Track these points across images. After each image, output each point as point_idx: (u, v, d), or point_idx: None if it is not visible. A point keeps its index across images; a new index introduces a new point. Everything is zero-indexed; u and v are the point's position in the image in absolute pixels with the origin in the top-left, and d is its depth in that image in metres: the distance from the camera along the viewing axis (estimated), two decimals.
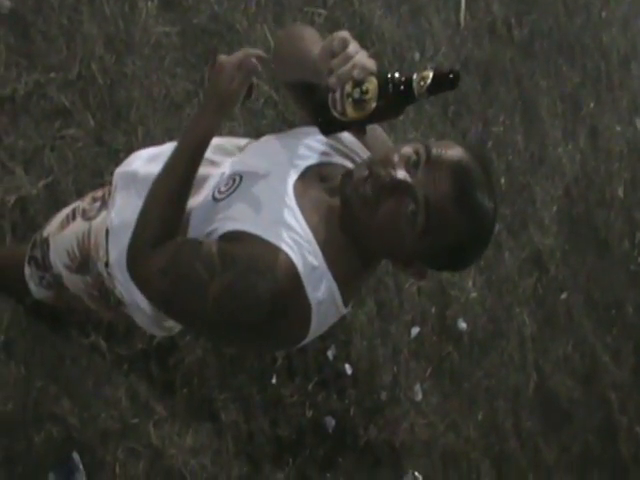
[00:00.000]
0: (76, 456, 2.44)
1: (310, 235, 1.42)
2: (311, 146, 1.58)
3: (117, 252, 1.67)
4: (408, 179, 1.35)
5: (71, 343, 2.53)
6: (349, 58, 1.32)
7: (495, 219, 1.41)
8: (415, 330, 3.85)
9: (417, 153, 1.37)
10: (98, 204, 1.86)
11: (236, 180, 1.51)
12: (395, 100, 1.34)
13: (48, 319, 2.44)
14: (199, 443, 2.81)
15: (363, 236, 1.44)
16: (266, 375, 3.09)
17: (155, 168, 1.53)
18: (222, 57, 1.49)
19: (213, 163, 1.61)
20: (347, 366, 3.42)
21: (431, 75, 1.31)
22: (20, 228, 2.47)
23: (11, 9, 2.60)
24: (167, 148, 1.60)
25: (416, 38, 4.30)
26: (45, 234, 1.94)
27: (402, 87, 1.32)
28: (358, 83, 1.33)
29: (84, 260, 1.81)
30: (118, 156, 2.69)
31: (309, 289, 1.39)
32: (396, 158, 1.38)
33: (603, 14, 6.29)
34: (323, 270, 1.41)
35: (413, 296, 3.87)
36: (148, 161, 1.74)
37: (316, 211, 1.46)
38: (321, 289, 1.41)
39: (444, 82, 1.31)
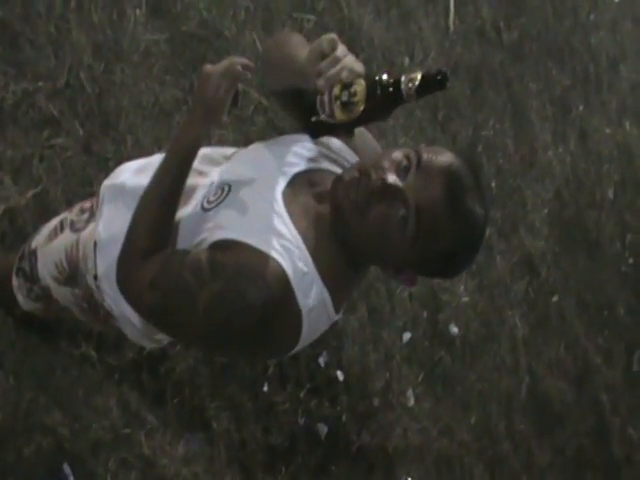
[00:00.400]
0: (67, 467, 2.43)
1: (300, 241, 1.41)
2: (299, 153, 1.57)
3: (105, 265, 1.66)
4: (399, 184, 1.35)
5: (61, 353, 2.52)
6: (337, 61, 1.32)
7: (486, 225, 1.41)
8: (407, 335, 3.84)
9: (408, 158, 1.37)
10: (86, 215, 1.85)
11: (225, 189, 1.50)
12: (383, 102, 1.34)
13: (38, 329, 2.43)
14: (191, 452, 2.80)
15: (353, 241, 1.43)
16: (258, 383, 3.08)
17: (143, 180, 1.52)
18: (208, 66, 1.49)
19: (201, 173, 1.60)
20: (339, 372, 3.41)
21: (419, 76, 1.31)
22: (8, 238, 2.46)
23: None
24: (155, 159, 1.59)
25: (405, 43, 4.30)
26: (33, 246, 1.93)
27: (390, 89, 1.33)
28: (346, 85, 1.33)
29: (73, 272, 1.80)
30: (107, 165, 2.68)
31: (299, 295, 1.38)
32: (387, 163, 1.38)
33: (591, 17, 6.30)
34: (313, 276, 1.40)
35: (405, 301, 3.86)
36: (136, 173, 1.73)
37: (305, 217, 1.45)
38: (311, 295, 1.40)
39: (432, 83, 1.31)
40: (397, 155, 1.39)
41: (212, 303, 1.35)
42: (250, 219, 1.43)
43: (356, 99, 1.33)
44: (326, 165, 1.58)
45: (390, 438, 3.63)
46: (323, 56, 1.34)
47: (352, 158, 1.62)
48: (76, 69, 2.75)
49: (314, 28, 3.67)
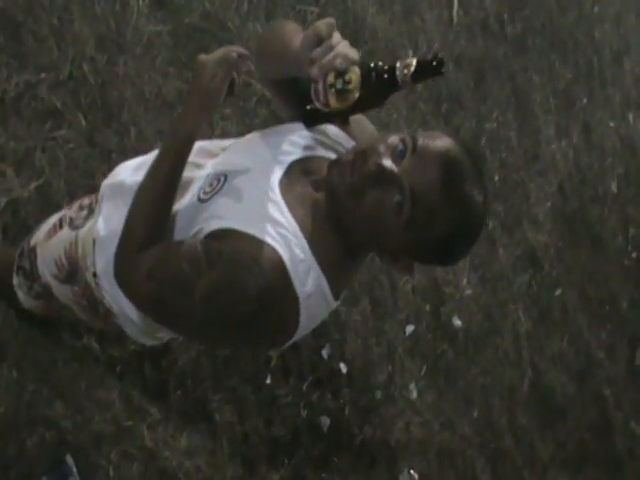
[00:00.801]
0: (70, 459, 2.43)
1: (297, 229, 1.40)
2: (295, 141, 1.56)
3: (104, 262, 1.65)
4: (394, 168, 1.33)
5: (63, 346, 2.52)
6: (331, 48, 1.29)
7: (485, 211, 1.38)
8: (410, 328, 3.84)
9: (404, 142, 1.35)
10: (85, 212, 1.84)
11: (221, 180, 1.50)
12: (379, 89, 1.32)
13: (40, 322, 2.42)
14: (193, 445, 2.80)
15: (349, 227, 1.42)
16: (260, 375, 3.08)
17: (141, 177, 1.52)
18: (203, 56, 1.48)
19: (197, 166, 1.59)
20: (342, 365, 3.41)
21: (414, 62, 1.29)
22: (11, 230, 2.45)
23: (1, 9, 2.58)
24: (154, 156, 1.58)
25: (409, 35, 4.29)
26: (32, 243, 1.92)
27: (385, 75, 1.31)
28: (341, 73, 1.31)
29: (72, 270, 1.79)
30: (110, 157, 2.68)
31: (297, 283, 1.37)
32: (382, 148, 1.36)
33: (595, 10, 6.28)
34: (311, 263, 1.39)
35: (407, 294, 3.86)
36: (135, 171, 1.72)
37: (302, 205, 1.44)
38: (309, 282, 1.39)
39: (428, 69, 1.29)
40: (393, 139, 1.37)
41: (209, 292, 1.35)
42: (246, 208, 1.43)
43: (351, 87, 1.31)
44: (323, 152, 1.57)
45: (392, 431, 3.63)
46: (317, 43, 1.31)
47: (349, 144, 1.60)
48: (79, 61, 2.74)
49: (317, 20, 3.65)
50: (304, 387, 3.22)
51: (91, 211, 1.83)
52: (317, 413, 3.27)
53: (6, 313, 2.37)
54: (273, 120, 3.14)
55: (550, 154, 5.27)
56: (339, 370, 3.41)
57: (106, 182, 1.79)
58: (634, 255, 5.86)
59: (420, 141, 1.34)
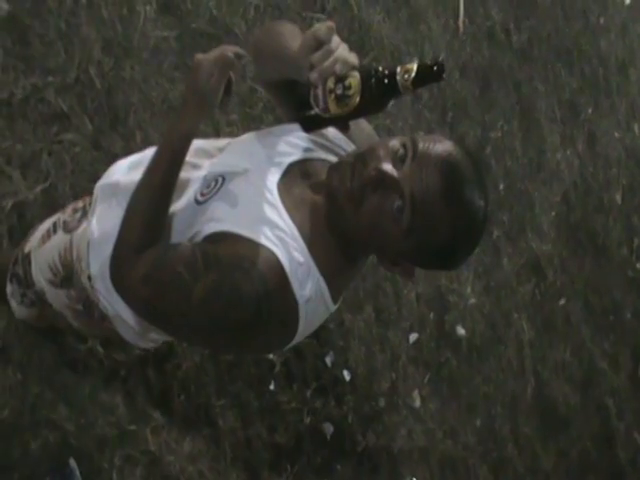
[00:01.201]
0: (73, 462, 2.43)
1: (295, 232, 1.38)
2: (293, 143, 1.54)
3: (99, 264, 1.62)
4: (394, 173, 1.31)
5: (68, 349, 2.51)
6: (330, 52, 1.27)
7: (486, 216, 1.36)
8: (413, 336, 3.83)
9: (404, 147, 1.33)
10: (79, 214, 1.81)
11: (218, 181, 1.47)
12: (379, 94, 1.29)
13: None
14: (196, 450, 2.79)
15: (349, 231, 1.39)
16: (264, 381, 3.07)
17: (137, 176, 1.49)
18: (199, 55, 1.46)
19: (194, 166, 1.56)
20: (345, 372, 3.41)
21: (415, 67, 1.26)
22: (17, 233, 2.45)
23: (9, 12, 2.59)
24: (148, 154, 1.55)
25: (415, 43, 4.29)
26: (27, 250, 1.89)
27: (386, 81, 1.28)
28: (340, 78, 1.28)
29: (68, 274, 1.76)
30: (116, 161, 2.67)
31: (296, 286, 1.35)
32: (383, 152, 1.34)
33: (601, 20, 6.29)
34: (310, 266, 1.38)
35: (411, 302, 3.86)
36: (129, 169, 1.69)
37: (300, 208, 1.42)
38: (308, 286, 1.37)
39: (429, 74, 1.26)
40: (394, 143, 1.35)
41: (206, 296, 1.32)
42: (244, 210, 1.41)
43: (351, 92, 1.28)
44: (321, 154, 1.55)
45: (395, 439, 3.62)
46: (316, 47, 1.29)
47: (348, 147, 1.58)
48: (86, 64, 2.74)
49: None
50: (308, 394, 3.22)
51: (85, 213, 1.79)
52: (320, 420, 3.26)
53: (11, 316, 2.37)
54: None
55: (555, 163, 5.27)
56: (342, 377, 3.40)
57: (100, 183, 1.75)
58: (638, 266, 5.86)
59: (421, 145, 1.32)
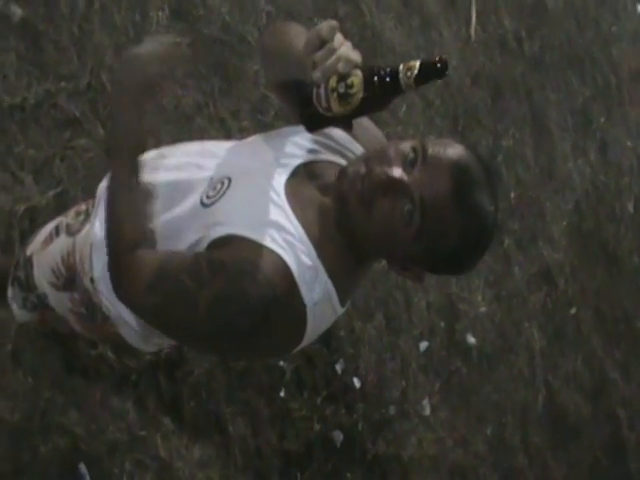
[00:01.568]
0: (83, 467, 2.42)
1: (303, 234, 1.36)
2: (299, 144, 1.53)
3: (101, 266, 1.57)
4: (404, 178, 1.30)
5: (79, 354, 2.51)
6: (333, 51, 1.27)
7: (496, 221, 1.36)
8: (424, 344, 3.82)
9: (414, 151, 1.32)
10: (82, 217, 1.80)
11: (225, 183, 1.45)
12: (382, 93, 1.28)
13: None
14: (206, 456, 2.79)
15: (358, 235, 1.38)
16: (274, 388, 3.06)
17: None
18: (133, 49, 1.43)
19: (199, 167, 1.54)
20: (355, 380, 3.40)
21: (418, 65, 1.25)
22: (29, 238, 2.45)
23: (22, 18, 2.60)
24: (150, 156, 1.54)
25: (426, 50, 4.29)
26: (29, 253, 1.86)
27: (388, 79, 1.27)
28: (343, 77, 1.28)
29: (70, 276, 1.74)
30: None
31: (304, 290, 1.34)
32: (392, 155, 1.34)
33: (613, 29, 6.29)
34: (317, 269, 1.36)
35: (422, 310, 3.85)
36: None
37: (308, 209, 1.41)
38: (316, 289, 1.36)
39: (432, 71, 1.25)
40: (403, 147, 1.34)
41: (214, 303, 1.30)
42: (251, 213, 1.39)
43: (353, 90, 1.27)
44: (328, 156, 1.54)
45: (405, 447, 3.61)
46: (320, 46, 1.28)
47: (354, 147, 1.58)
48: (98, 70, 2.75)
49: None
50: (318, 401, 3.21)
51: (88, 216, 1.78)
52: (330, 427, 3.25)
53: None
54: None
55: (566, 172, 5.26)
56: (353, 385, 3.39)
57: (102, 185, 1.72)
58: None
59: (431, 149, 1.32)
